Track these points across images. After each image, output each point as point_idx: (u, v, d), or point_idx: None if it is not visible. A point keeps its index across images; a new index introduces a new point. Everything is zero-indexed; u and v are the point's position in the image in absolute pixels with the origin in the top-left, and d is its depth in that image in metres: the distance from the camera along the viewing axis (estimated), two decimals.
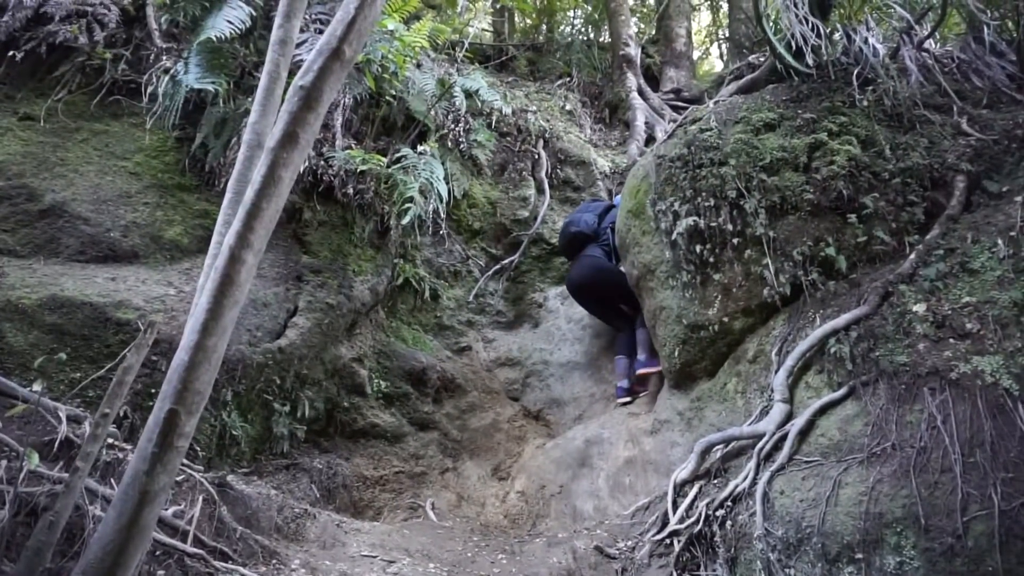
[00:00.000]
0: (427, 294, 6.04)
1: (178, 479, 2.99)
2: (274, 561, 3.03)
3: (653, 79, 10.27)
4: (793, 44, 4.87)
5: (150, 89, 4.61)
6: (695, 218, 4.57)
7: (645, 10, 13.29)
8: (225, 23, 4.49)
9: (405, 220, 4.98)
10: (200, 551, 2.54)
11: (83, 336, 3.47)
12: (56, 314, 3.47)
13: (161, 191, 4.49)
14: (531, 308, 6.65)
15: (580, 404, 5.80)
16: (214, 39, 4.50)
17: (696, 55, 13.60)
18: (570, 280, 5.94)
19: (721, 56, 17.84)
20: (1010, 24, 5.46)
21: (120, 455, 2.93)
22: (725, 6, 16.58)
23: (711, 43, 16.59)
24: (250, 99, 4.98)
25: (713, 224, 4.52)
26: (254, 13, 4.81)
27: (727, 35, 12.59)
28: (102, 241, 4.04)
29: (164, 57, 4.71)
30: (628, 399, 5.44)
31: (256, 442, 4.15)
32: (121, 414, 3.38)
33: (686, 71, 10.69)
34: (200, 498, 2.90)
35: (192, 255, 4.41)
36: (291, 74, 2.13)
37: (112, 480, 2.78)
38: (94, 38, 4.62)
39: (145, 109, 4.64)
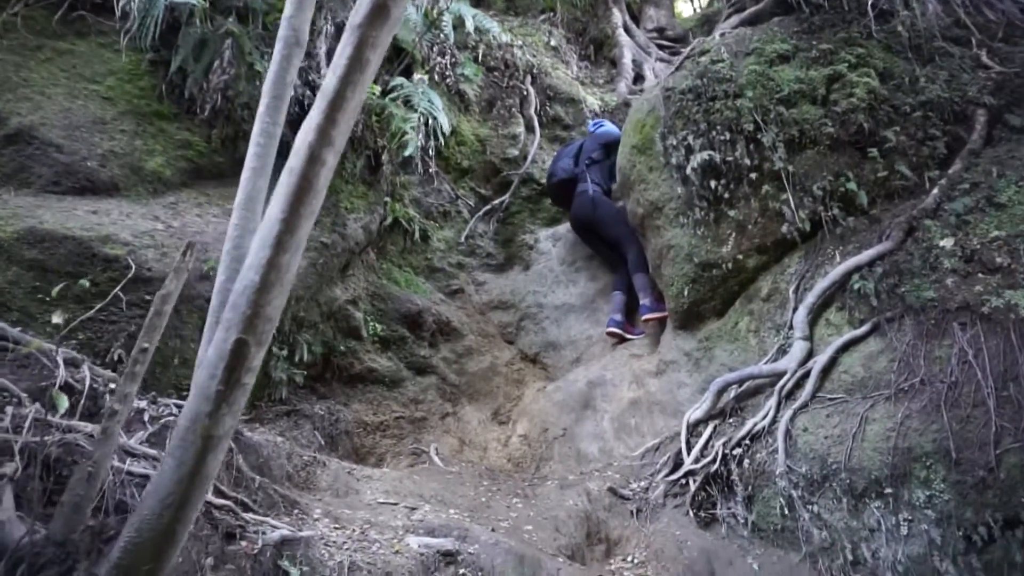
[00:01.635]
0: (417, 235, 5.77)
1: None
2: (296, 511, 2.84)
3: (633, 17, 9.94)
4: None
5: (121, 3, 4.13)
6: (710, 152, 4.39)
7: None
8: None
9: (407, 152, 4.67)
10: (226, 502, 2.32)
11: (68, 273, 3.13)
12: (36, 249, 3.12)
13: (138, 118, 4.07)
14: (522, 250, 6.45)
15: (577, 347, 5.68)
16: None
17: None
18: (573, 218, 5.88)
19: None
20: None
21: None
22: None
23: None
24: (230, 19, 4.57)
25: (729, 159, 4.36)
26: None
27: None
28: (78, 171, 3.65)
29: None
30: (618, 332, 5.32)
31: (255, 389, 3.88)
32: (116, 358, 3.10)
33: (666, 10, 10.38)
34: (229, 441, 2.67)
35: (176, 188, 4.05)
36: None
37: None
38: None
39: (116, 28, 4.17)
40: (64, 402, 1.87)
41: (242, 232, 1.73)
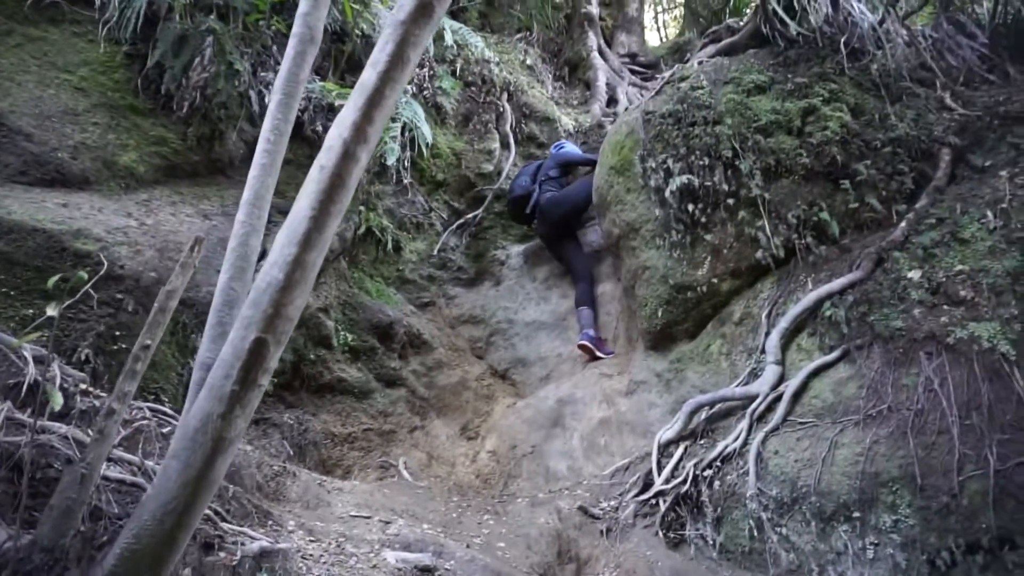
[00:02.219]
0: (390, 245, 5.72)
1: (163, 430, 2.65)
2: (270, 523, 2.75)
3: (605, 42, 10.12)
4: (793, 5, 4.80)
5: None
6: (689, 176, 4.48)
7: None
8: None
9: (389, 162, 4.63)
10: (206, 511, 2.23)
11: (36, 267, 2.99)
12: (3, 240, 2.97)
13: (112, 111, 3.94)
14: (493, 265, 6.44)
15: (547, 364, 5.68)
16: None
17: None
18: (540, 230, 6.02)
19: (657, 28, 17.94)
20: (977, 8, 5.63)
21: (95, 402, 2.55)
22: None
23: (653, 13, 16.59)
24: (211, 17, 4.48)
25: (707, 183, 4.45)
26: None
27: (677, 3, 12.58)
28: (49, 162, 3.50)
29: None
30: (590, 347, 5.34)
31: None
32: (83, 358, 2.96)
33: (638, 36, 10.62)
34: (239, 444, 2.57)
35: (149, 186, 3.93)
36: None
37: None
38: None
39: (91, 18, 4.05)
40: (59, 399, 1.77)
41: (248, 230, 1.68)
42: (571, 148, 6.46)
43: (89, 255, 3.13)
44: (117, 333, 3.09)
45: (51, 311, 1.63)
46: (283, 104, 1.78)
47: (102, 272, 3.03)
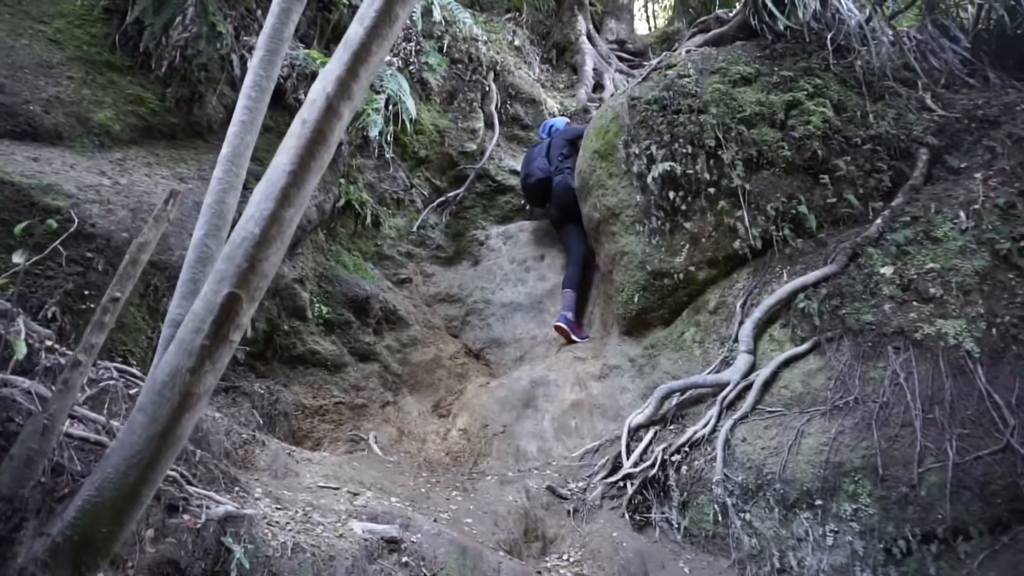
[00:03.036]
0: (368, 220, 5.67)
1: (131, 391, 2.61)
2: (236, 489, 2.73)
3: (594, 27, 10.08)
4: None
5: None
6: (671, 163, 4.49)
7: None
8: None
9: (371, 134, 4.57)
10: (172, 473, 2.21)
11: (2, 221, 2.92)
12: None
13: (87, 66, 3.84)
14: (472, 245, 6.42)
15: (522, 345, 5.69)
16: None
17: None
18: (554, 208, 5.99)
19: (646, 17, 17.93)
20: (962, 13, 5.70)
21: (61, 360, 2.50)
22: None
23: (643, 3, 16.56)
24: None
25: (689, 171, 4.47)
26: None
27: None
28: (19, 114, 3.40)
29: None
30: (566, 330, 5.37)
31: None
32: (49, 315, 2.90)
33: (627, 24, 10.60)
34: (207, 400, 2.54)
35: (124, 145, 3.83)
36: None
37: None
38: None
39: None
40: (23, 349, 1.73)
41: (225, 187, 1.65)
42: (569, 123, 6.59)
43: (59, 211, 3.05)
44: (86, 292, 3.03)
45: (17, 258, 1.59)
46: (266, 61, 1.74)
47: (72, 229, 2.96)
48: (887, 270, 3.86)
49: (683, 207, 4.49)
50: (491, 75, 7.03)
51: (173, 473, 2.21)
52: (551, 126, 6.52)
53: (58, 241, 2.88)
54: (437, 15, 6.49)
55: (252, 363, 4.29)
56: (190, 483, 2.46)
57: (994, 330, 3.42)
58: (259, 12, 4.80)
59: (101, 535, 1.31)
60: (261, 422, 3.88)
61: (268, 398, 4.08)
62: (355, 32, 1.34)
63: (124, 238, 3.22)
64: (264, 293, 1.37)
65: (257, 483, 2.99)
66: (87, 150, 3.61)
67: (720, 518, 3.67)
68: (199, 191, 3.91)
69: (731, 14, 6.01)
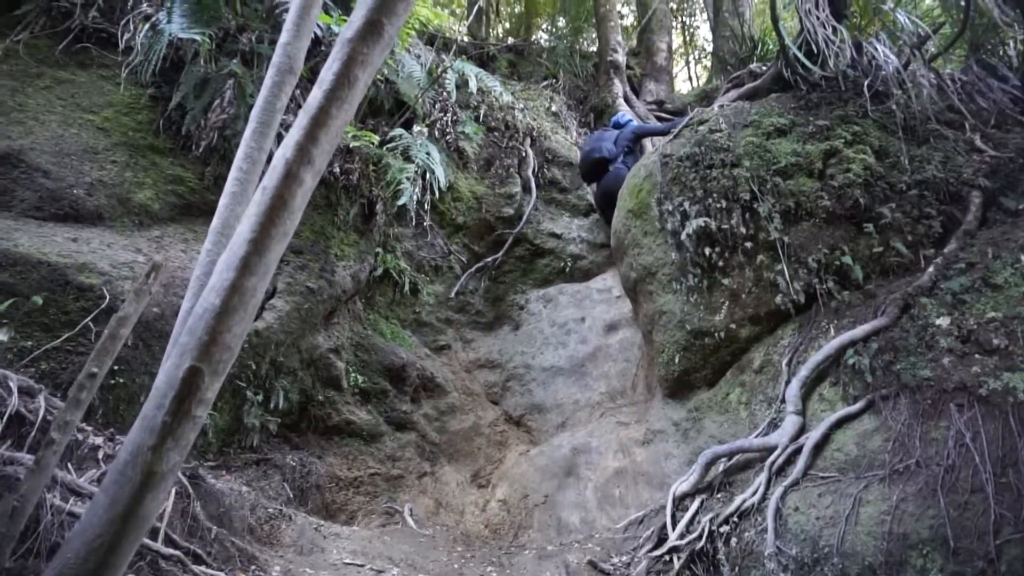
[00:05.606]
0: (407, 288, 5.70)
1: None
2: (253, 568, 2.65)
3: (633, 90, 10.18)
4: (812, 50, 4.74)
5: (126, 37, 4.16)
6: (706, 219, 4.37)
7: (625, 24, 13.26)
8: None
9: (401, 202, 4.63)
10: (176, 552, 2.15)
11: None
12: (7, 272, 3.00)
13: (131, 150, 4.03)
14: (512, 310, 6.37)
15: (563, 411, 5.52)
16: None
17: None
18: (603, 192, 6.28)
19: (689, 77, 18.11)
20: (1009, 51, 5.49)
21: (80, 436, 2.51)
22: (702, 27, 16.82)
23: (684, 63, 16.76)
24: (234, 61, 4.59)
25: (725, 226, 4.33)
26: None
27: (710, 52, 12.64)
28: (63, 198, 3.57)
29: (144, 4, 4.27)
30: None
31: (224, 433, 3.73)
32: None
33: (666, 85, 10.64)
34: (172, 490, 2.50)
35: (163, 223, 3.97)
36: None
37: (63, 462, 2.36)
38: None
39: (119, 62, 4.19)
40: None
41: (213, 258, 1.63)
42: (641, 122, 7.21)
43: (92, 288, 3.14)
44: (115, 367, 3.07)
45: (2, 336, 1.60)
46: (258, 133, 1.75)
47: (103, 306, 3.03)
48: (943, 321, 3.60)
49: (720, 263, 4.34)
50: (527, 141, 7.11)
51: (177, 552, 2.14)
52: (619, 120, 6.93)
53: (89, 318, 2.95)
54: (473, 85, 6.65)
55: (286, 434, 4.27)
56: (202, 562, 2.40)
57: None
58: (297, 91, 5.00)
59: None
60: (291, 495, 3.82)
61: (300, 470, 4.02)
62: (314, 97, 1.32)
63: (155, 313, 3.28)
64: (228, 369, 1.32)
65: (279, 560, 2.90)
66: (126, 229, 3.75)
67: None
68: None
69: (764, 68, 5.95)
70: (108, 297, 3.10)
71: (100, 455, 2.42)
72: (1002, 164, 4.25)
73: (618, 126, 6.78)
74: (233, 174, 1.78)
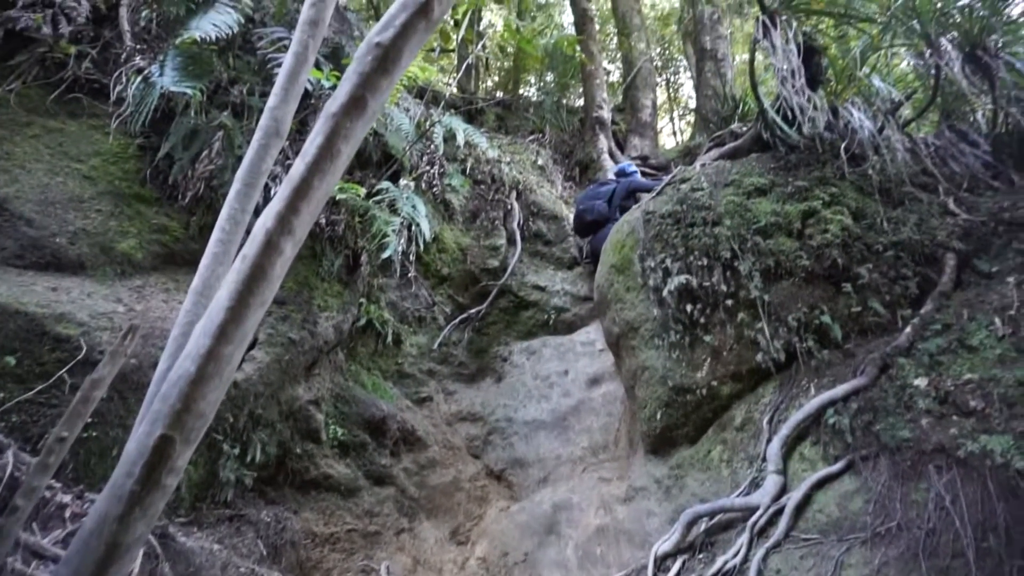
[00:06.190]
0: (389, 338, 5.68)
1: None
2: None
3: (618, 145, 10.40)
4: (788, 115, 4.88)
5: (117, 89, 4.21)
6: (687, 276, 4.42)
7: (612, 79, 13.61)
8: (211, 26, 4.19)
9: (386, 254, 4.65)
10: None
11: (12, 350, 2.97)
12: None
13: (117, 199, 4.04)
14: (495, 362, 6.35)
15: (545, 466, 5.46)
16: (197, 39, 4.18)
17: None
18: (596, 248, 6.33)
19: (674, 132, 18.55)
20: (979, 117, 5.69)
21: (47, 494, 2.44)
22: (686, 84, 17.29)
23: (669, 119, 17.18)
24: (224, 113, 4.66)
25: (706, 284, 4.38)
26: (241, 20, 4.52)
27: (692, 110, 12.97)
28: (45, 246, 3.56)
29: (137, 57, 4.34)
30: None
31: (198, 488, 3.65)
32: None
33: (650, 140, 10.89)
34: (140, 551, 2.43)
35: (145, 272, 3.96)
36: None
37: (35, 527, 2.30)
38: (59, 31, 4.23)
39: (109, 112, 4.23)
40: None
41: (192, 319, 1.62)
42: (639, 176, 7.18)
43: (69, 339, 3.10)
44: (89, 420, 3.01)
45: None
46: (242, 194, 1.77)
47: (80, 357, 2.99)
48: (921, 382, 3.63)
49: (702, 320, 4.37)
50: (513, 194, 7.21)
51: None
52: (625, 168, 7.11)
53: (64, 370, 2.90)
54: (460, 139, 6.76)
55: (262, 488, 4.17)
56: None
57: None
58: (286, 144, 5.06)
59: None
60: (265, 553, 3.72)
61: (275, 526, 3.93)
62: (297, 168, 1.35)
63: (132, 364, 3.24)
64: (200, 436, 1.31)
65: None
66: (108, 278, 3.73)
67: None
68: None
69: (745, 128, 6.12)
70: (85, 348, 3.07)
71: (67, 514, 2.36)
72: (975, 227, 4.35)
73: (623, 174, 6.98)
74: (215, 235, 1.79)
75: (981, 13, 4.83)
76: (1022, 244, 4.12)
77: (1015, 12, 5.32)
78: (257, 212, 1.65)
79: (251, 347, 4.15)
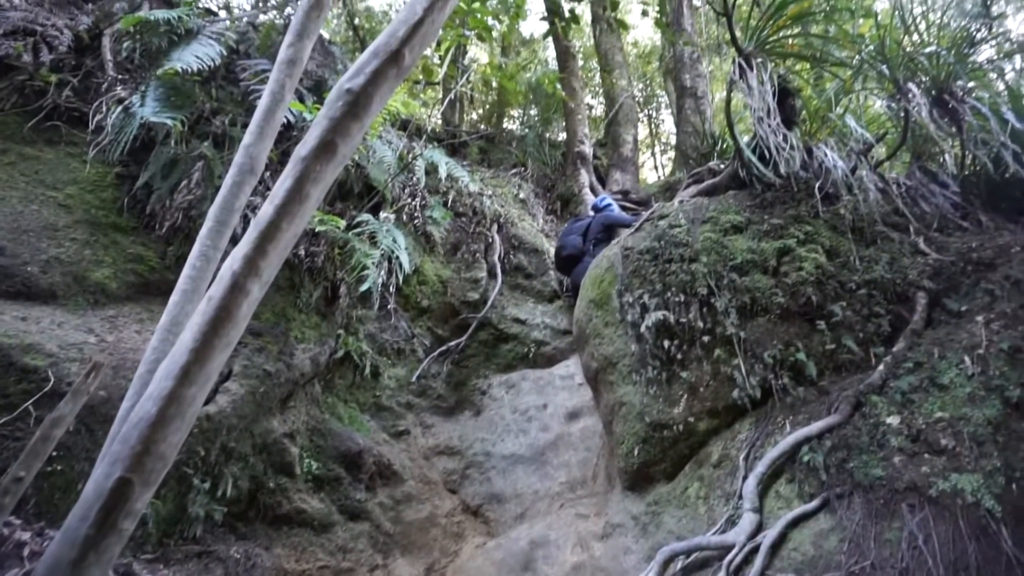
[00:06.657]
0: (367, 371, 5.64)
1: None
2: None
3: (600, 180, 10.52)
4: (764, 154, 4.98)
5: (97, 118, 4.21)
6: (665, 312, 4.46)
7: (594, 114, 13.82)
8: (193, 58, 4.21)
9: (364, 287, 4.64)
10: None
11: None
12: None
13: (92, 228, 4.01)
14: (474, 395, 6.32)
15: (523, 501, 5.41)
16: (179, 71, 4.20)
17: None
18: (576, 283, 6.28)
19: (655, 167, 18.83)
20: (947, 159, 5.83)
21: (5, 531, 2.38)
22: (667, 120, 17.60)
23: (650, 153, 17.45)
24: (205, 143, 4.66)
25: (683, 320, 4.41)
26: (224, 52, 4.55)
27: (673, 145, 13.16)
28: (16, 275, 3.51)
29: (118, 87, 4.35)
30: None
31: (166, 523, 3.57)
32: (16, 479, 2.81)
33: (631, 175, 11.02)
34: None
35: (119, 302, 3.92)
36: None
37: None
38: (40, 59, 4.24)
39: (87, 140, 4.23)
40: None
41: (159, 356, 1.61)
42: (615, 210, 7.14)
43: (36, 371, 3.05)
44: (54, 454, 2.96)
45: None
46: (214, 231, 1.77)
47: (47, 388, 2.94)
48: (893, 420, 3.66)
49: (679, 356, 4.39)
50: (495, 227, 7.25)
51: None
52: (598, 204, 7.14)
53: (30, 402, 2.86)
54: (443, 172, 6.81)
55: (232, 523, 4.09)
56: None
57: (1014, 485, 3.17)
58: (267, 175, 5.06)
59: None
60: None
61: (245, 563, 3.84)
62: (265, 211, 1.35)
63: (101, 396, 3.19)
64: (160, 479, 1.28)
65: None
66: (80, 308, 3.68)
67: None
68: None
69: (723, 166, 6.22)
70: (53, 380, 3.02)
71: (26, 552, 2.29)
72: (945, 267, 4.43)
73: (597, 210, 7.04)
74: (186, 271, 1.78)
75: (948, 60, 4.98)
76: (990, 284, 4.20)
77: (981, 59, 5.48)
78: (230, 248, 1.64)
79: (225, 379, 4.10)
